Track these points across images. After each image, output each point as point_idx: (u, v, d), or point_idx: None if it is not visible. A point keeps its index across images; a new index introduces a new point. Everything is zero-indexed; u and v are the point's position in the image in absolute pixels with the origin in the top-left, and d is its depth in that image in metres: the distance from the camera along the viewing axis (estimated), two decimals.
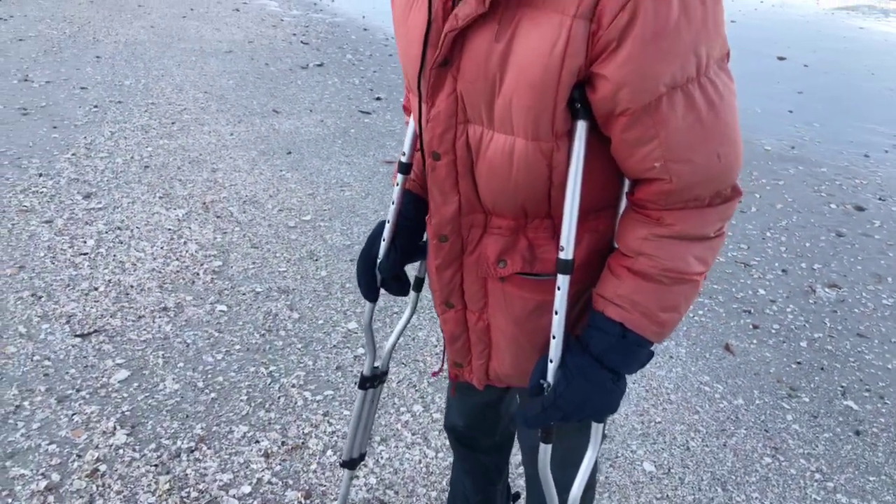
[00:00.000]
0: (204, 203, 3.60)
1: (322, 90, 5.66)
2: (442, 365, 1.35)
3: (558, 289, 1.00)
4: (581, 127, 0.92)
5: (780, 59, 7.18)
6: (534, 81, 0.88)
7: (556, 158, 0.95)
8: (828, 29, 8.34)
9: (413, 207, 1.27)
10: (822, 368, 2.78)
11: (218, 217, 3.48)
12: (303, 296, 2.89)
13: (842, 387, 2.67)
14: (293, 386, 2.37)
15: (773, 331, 3.00)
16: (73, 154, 4.03)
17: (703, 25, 0.85)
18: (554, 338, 1.02)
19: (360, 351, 2.57)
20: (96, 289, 2.80)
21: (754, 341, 2.92)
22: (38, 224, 3.25)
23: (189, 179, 3.86)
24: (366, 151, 4.52)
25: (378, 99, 5.58)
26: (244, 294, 2.86)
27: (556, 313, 1.01)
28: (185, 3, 8.27)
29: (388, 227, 1.25)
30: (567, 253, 0.98)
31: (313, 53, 6.71)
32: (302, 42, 7.04)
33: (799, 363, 2.80)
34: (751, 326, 3.02)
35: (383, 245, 1.27)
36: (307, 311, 2.79)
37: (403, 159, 1.23)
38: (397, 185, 1.24)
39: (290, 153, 4.37)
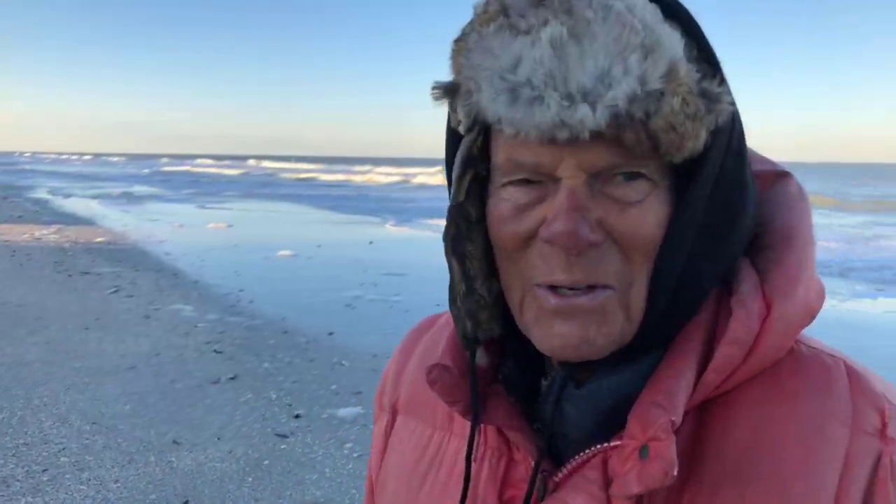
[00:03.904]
0: None
1: (233, 410, 5.04)
2: None
3: None
4: None
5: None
6: None
7: None
8: (882, 328, 7.95)
9: None
10: None
11: None
12: None
13: None
14: None
15: None
16: None
17: None
18: None
19: None
20: None
21: None
22: None
23: None
24: (280, 492, 3.81)
25: (297, 417, 4.99)
26: None
27: None
28: (89, 313, 7.79)
29: None
30: None
31: (227, 364, 6.19)
32: (215, 351, 6.56)
33: None
34: None
35: None
36: None
37: None
38: None
39: (186, 503, 3.60)
